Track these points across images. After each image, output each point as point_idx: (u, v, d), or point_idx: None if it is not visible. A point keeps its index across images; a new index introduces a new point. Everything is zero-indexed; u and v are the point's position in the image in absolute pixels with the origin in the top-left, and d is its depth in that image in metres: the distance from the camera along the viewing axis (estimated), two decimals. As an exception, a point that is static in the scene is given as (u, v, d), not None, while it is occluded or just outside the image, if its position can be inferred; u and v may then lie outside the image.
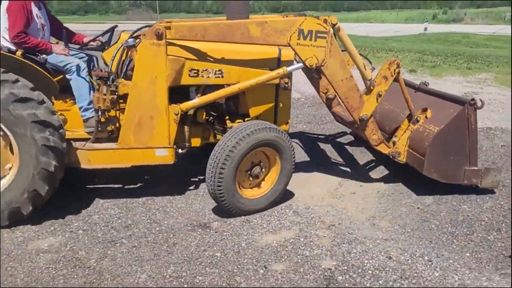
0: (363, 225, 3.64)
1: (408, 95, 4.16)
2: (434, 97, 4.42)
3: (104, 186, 4.23)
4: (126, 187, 4.23)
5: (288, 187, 3.95)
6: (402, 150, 4.20)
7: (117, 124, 3.84)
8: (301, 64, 3.77)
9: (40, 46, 3.66)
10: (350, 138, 5.80)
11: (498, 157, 5.13)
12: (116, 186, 4.23)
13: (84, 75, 3.76)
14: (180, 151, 3.84)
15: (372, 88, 4.00)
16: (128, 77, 3.64)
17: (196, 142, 4.07)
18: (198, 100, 3.73)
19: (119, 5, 68.18)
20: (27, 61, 3.48)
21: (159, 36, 3.42)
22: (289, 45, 3.66)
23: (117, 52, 3.67)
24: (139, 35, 3.65)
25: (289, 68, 3.81)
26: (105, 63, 3.96)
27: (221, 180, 3.45)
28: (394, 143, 4.23)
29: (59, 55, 3.73)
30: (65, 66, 3.71)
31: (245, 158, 3.56)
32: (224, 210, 3.65)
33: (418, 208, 3.90)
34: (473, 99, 3.91)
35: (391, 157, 4.23)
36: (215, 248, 3.25)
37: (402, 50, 15.01)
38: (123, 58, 3.68)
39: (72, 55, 3.88)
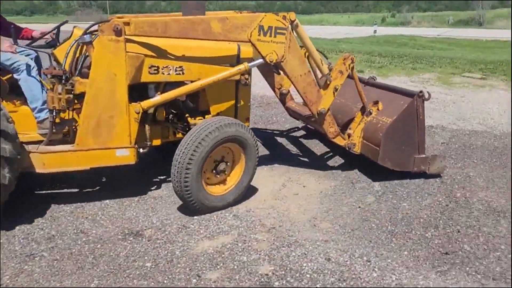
0: (304, 226, 3.54)
1: (362, 89, 4.35)
2: (383, 90, 4.62)
3: (28, 192, 3.91)
4: (54, 192, 3.93)
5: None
6: (357, 141, 4.39)
7: (73, 125, 3.66)
8: (261, 60, 3.81)
9: None
10: (302, 132, 5.77)
11: (438, 153, 5.20)
12: (43, 192, 3.93)
13: (35, 74, 3.54)
14: (141, 150, 3.71)
15: (328, 82, 4.12)
16: (84, 75, 3.46)
17: (156, 141, 3.97)
18: (159, 98, 3.64)
19: (68, 6, 65.53)
20: None
21: (118, 32, 3.27)
22: (250, 41, 3.67)
23: (70, 48, 3.47)
24: (95, 31, 3.46)
25: (250, 64, 3.83)
26: (56, 61, 3.75)
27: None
28: (349, 135, 4.39)
29: (5, 53, 3.47)
30: (12, 64, 3.46)
31: (211, 154, 3.54)
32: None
33: (359, 207, 3.86)
34: (421, 92, 4.11)
35: (347, 148, 4.39)
36: (146, 257, 3.04)
37: (352, 51, 15.20)
38: (77, 55, 3.49)
39: (19, 52, 3.63)
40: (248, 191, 4.02)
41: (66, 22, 4.00)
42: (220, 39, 3.62)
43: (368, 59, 13.14)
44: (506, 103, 7.67)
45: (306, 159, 5.03)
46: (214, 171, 3.71)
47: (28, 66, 3.50)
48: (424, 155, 4.27)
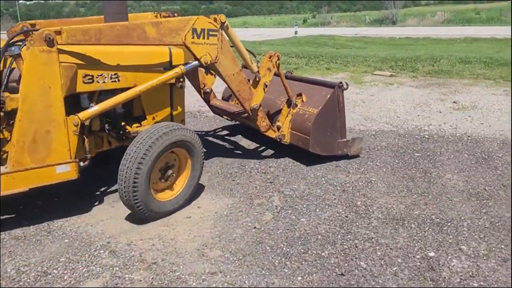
0: (191, 257, 3.11)
1: (286, 83, 4.61)
2: (304, 83, 4.94)
3: None
4: None
5: (116, 218, 3.47)
6: (286, 132, 4.67)
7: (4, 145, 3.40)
8: (196, 62, 3.89)
9: None
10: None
11: (342, 161, 5.02)
12: None
13: None
14: (82, 164, 3.49)
15: (258, 80, 4.34)
16: (11, 90, 3.23)
17: (91, 151, 3.73)
18: (97, 108, 3.49)
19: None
20: None
21: (50, 42, 3.10)
22: (184, 44, 3.69)
23: None
24: (18, 41, 3.29)
25: (186, 67, 3.88)
26: None
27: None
28: (278, 128, 4.65)
29: None
30: None
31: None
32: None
33: (255, 228, 3.50)
34: (340, 83, 4.52)
35: (278, 140, 4.65)
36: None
37: (271, 53, 15.13)
38: (1, 68, 3.29)
39: None
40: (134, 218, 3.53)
41: None
42: (155, 44, 3.61)
43: (285, 60, 13.06)
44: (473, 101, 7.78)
45: (205, 174, 4.62)
46: (161, 178, 3.66)
47: None
48: (345, 139, 4.70)
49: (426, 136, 5.78)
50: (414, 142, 5.54)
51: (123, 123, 3.93)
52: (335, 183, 4.25)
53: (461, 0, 56.69)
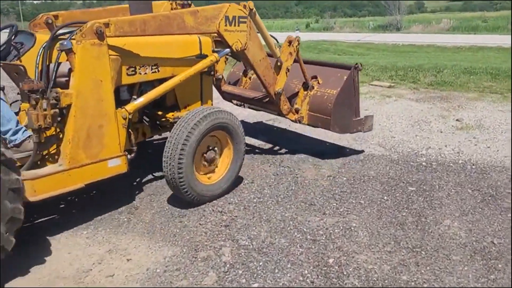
0: None
1: (304, 67, 4.59)
2: (317, 66, 4.88)
3: None
4: None
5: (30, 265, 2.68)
6: (305, 114, 4.69)
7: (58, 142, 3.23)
8: (228, 50, 3.91)
9: None
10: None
11: (318, 193, 4.16)
12: None
13: None
14: (129, 156, 3.46)
15: (280, 64, 4.39)
16: (59, 85, 3.12)
17: (135, 143, 3.67)
18: (143, 99, 3.49)
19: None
20: None
21: (101, 35, 3.06)
22: (218, 32, 3.65)
23: (40, 57, 3.15)
24: (61, 35, 3.25)
25: (219, 54, 3.94)
26: (19, 73, 3.31)
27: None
28: (297, 110, 4.70)
29: None
30: None
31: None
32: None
33: (190, 296, 2.64)
34: (356, 64, 4.62)
35: (297, 122, 4.73)
36: None
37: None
38: (47, 63, 3.16)
39: None
40: (44, 273, 2.68)
41: (15, 29, 3.50)
42: (193, 33, 3.65)
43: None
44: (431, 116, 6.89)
45: (148, 211, 3.75)
46: (204, 161, 3.69)
47: None
48: (359, 117, 4.74)
49: (424, 164, 4.88)
50: (409, 171, 4.64)
51: (160, 113, 3.99)
52: (305, 229, 3.36)
53: (467, 11, 55.66)
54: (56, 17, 4.02)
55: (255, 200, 3.85)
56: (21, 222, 2.65)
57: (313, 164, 4.75)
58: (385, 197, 3.97)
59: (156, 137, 4.70)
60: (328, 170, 4.59)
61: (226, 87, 5.20)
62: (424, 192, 4.08)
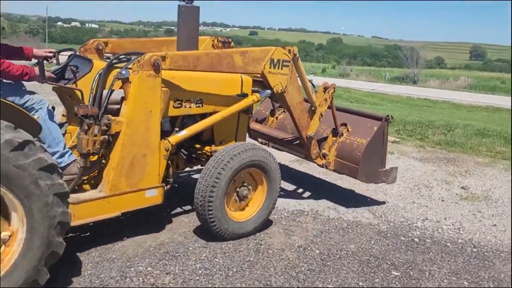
0: None
1: (336, 114, 4.57)
2: (347, 113, 4.86)
3: None
4: None
5: None
6: (332, 160, 4.63)
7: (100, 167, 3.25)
8: (269, 91, 3.95)
9: (23, 75, 2.88)
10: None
11: (280, 272, 3.44)
12: None
13: (51, 114, 3.08)
14: (165, 188, 3.44)
15: (314, 109, 4.39)
16: (109, 112, 3.15)
17: (172, 175, 3.66)
18: (186, 132, 3.54)
19: (11, 29, 60.90)
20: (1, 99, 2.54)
21: (157, 68, 3.13)
22: (262, 74, 3.73)
23: (96, 83, 3.21)
24: (114, 64, 3.34)
25: (261, 95, 3.97)
26: (72, 97, 3.38)
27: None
28: (324, 156, 4.63)
29: (16, 90, 2.89)
30: (25, 103, 2.89)
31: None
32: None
33: None
34: (388, 115, 4.58)
35: (324, 167, 4.64)
36: None
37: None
38: (101, 89, 3.20)
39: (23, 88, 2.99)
40: None
41: (74, 54, 3.51)
42: (240, 72, 3.74)
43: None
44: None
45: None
46: (236, 197, 3.64)
47: (44, 105, 3.04)
48: (385, 168, 4.68)
49: (416, 239, 4.14)
50: (397, 248, 3.90)
51: (197, 146, 3.99)
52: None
53: (487, 70, 55.25)
54: (106, 43, 4.12)
55: (199, 272, 3.13)
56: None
57: (285, 228, 4.05)
58: (361, 283, 3.23)
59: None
60: (301, 238, 3.86)
61: (254, 125, 5.18)
62: (410, 280, 3.33)
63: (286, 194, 5.06)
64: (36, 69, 2.99)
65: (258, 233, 3.86)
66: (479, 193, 5.86)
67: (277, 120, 5.37)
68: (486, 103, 21.44)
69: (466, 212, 5.13)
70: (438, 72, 40.93)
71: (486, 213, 5.15)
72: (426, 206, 5.19)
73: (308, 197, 5.05)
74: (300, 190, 5.27)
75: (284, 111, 5.29)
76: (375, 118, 4.69)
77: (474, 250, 4.05)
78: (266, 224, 4.09)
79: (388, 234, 4.19)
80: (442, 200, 5.49)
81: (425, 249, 3.95)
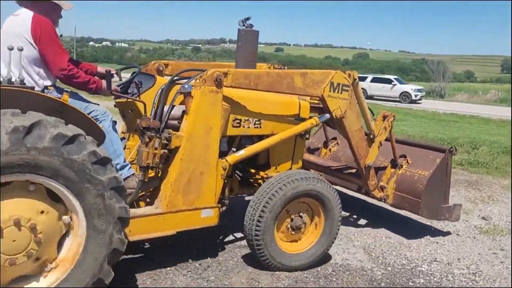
0: None
1: (395, 144, 4.36)
2: (405, 145, 4.65)
3: None
4: None
5: None
6: (390, 193, 4.35)
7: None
8: (328, 115, 3.79)
9: (90, 83, 2.93)
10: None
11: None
12: None
13: (114, 126, 3.06)
14: (221, 210, 3.26)
15: (373, 137, 4.18)
16: (169, 127, 3.11)
17: (228, 197, 3.45)
18: (244, 152, 3.40)
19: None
20: (71, 105, 2.56)
21: (219, 83, 3.10)
22: (321, 97, 3.62)
23: (157, 97, 3.22)
24: (178, 80, 3.36)
25: (320, 119, 3.84)
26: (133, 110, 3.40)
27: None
28: (382, 188, 4.35)
29: (80, 101, 2.88)
30: (90, 113, 2.80)
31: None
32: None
33: None
34: (451, 147, 4.39)
35: (382, 200, 4.35)
36: None
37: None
38: (163, 104, 3.20)
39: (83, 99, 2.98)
40: None
41: (138, 70, 3.47)
42: (299, 94, 3.63)
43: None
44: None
45: None
46: (289, 227, 3.39)
47: (107, 116, 3.01)
48: (448, 204, 4.34)
49: (418, 291, 3.31)
50: (391, 304, 3.09)
51: (252, 170, 3.84)
52: None
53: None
54: (166, 65, 4.21)
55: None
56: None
57: (249, 278, 3.28)
58: None
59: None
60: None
61: (307, 156, 4.97)
62: None
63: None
64: (103, 82, 3.01)
65: (213, 284, 3.12)
66: (503, 225, 4.93)
67: (330, 152, 5.25)
68: (517, 117, 19.94)
69: (486, 250, 4.23)
70: (467, 86, 39.05)
71: (510, 252, 4.24)
72: (437, 243, 4.32)
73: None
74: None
75: (337, 143, 5.23)
76: (437, 150, 4.45)
77: (492, 307, 3.18)
78: (233, 267, 3.37)
79: (382, 284, 3.36)
80: (457, 235, 4.60)
81: (428, 305, 3.11)
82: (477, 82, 65.36)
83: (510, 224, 4.98)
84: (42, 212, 2.25)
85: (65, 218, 2.34)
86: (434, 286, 3.39)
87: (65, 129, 2.25)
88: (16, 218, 2.16)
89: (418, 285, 3.40)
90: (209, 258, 3.53)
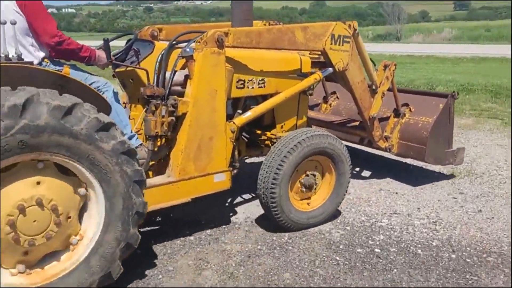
0: None
1: (397, 93, 4.28)
2: (407, 94, 4.52)
3: None
4: None
5: None
6: (395, 143, 4.33)
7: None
8: (331, 69, 3.68)
9: (83, 50, 2.75)
10: None
11: None
12: None
13: (117, 96, 2.94)
14: (233, 173, 3.21)
15: (375, 88, 4.05)
16: (173, 94, 2.97)
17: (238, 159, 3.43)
18: (251, 113, 3.32)
19: None
20: (73, 78, 2.46)
21: (221, 44, 2.96)
22: (323, 50, 3.53)
23: (158, 63, 3.01)
24: (177, 43, 3.18)
25: (323, 74, 3.70)
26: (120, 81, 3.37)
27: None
28: (387, 138, 4.30)
29: (81, 72, 2.76)
30: (91, 85, 2.63)
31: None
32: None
33: None
34: (453, 92, 4.27)
35: (387, 150, 4.30)
36: None
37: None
38: (164, 70, 3.02)
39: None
40: None
41: (134, 37, 3.21)
42: (301, 49, 3.52)
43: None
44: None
45: None
46: (301, 186, 3.34)
47: (109, 87, 2.87)
48: (452, 149, 4.34)
49: (377, 250, 3.10)
50: (350, 269, 2.86)
51: (258, 131, 3.77)
52: None
53: (472, 20, 53.32)
54: (160, 30, 4.03)
55: None
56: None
57: (197, 258, 2.98)
58: None
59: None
60: (216, 273, 2.76)
61: (308, 112, 4.75)
62: (359, 328, 2.33)
63: (219, 198, 3.96)
64: (98, 52, 2.82)
65: (156, 271, 2.81)
66: (461, 167, 4.84)
67: (330, 106, 5.16)
68: (471, 54, 20.17)
69: (445, 195, 4.13)
70: (422, 26, 39.21)
71: (469, 194, 4.15)
72: (396, 193, 4.17)
73: (249, 199, 4.00)
74: (238, 187, 4.17)
75: (337, 97, 5.14)
76: (439, 95, 4.42)
77: (453, 256, 3.03)
78: (172, 251, 3.06)
79: (341, 246, 3.16)
80: (416, 180, 4.48)
81: (387, 264, 2.92)
82: (432, 21, 65.82)
83: (468, 166, 4.90)
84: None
85: (81, 190, 2.29)
86: (393, 241, 3.22)
87: (62, 99, 2.15)
88: (38, 198, 2.12)
89: (378, 242, 3.21)
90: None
